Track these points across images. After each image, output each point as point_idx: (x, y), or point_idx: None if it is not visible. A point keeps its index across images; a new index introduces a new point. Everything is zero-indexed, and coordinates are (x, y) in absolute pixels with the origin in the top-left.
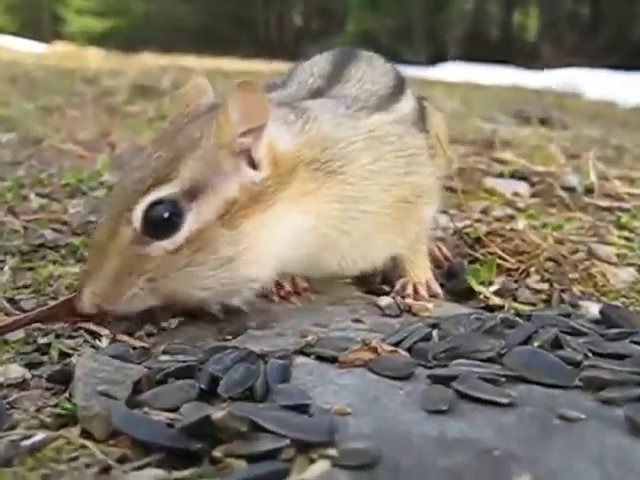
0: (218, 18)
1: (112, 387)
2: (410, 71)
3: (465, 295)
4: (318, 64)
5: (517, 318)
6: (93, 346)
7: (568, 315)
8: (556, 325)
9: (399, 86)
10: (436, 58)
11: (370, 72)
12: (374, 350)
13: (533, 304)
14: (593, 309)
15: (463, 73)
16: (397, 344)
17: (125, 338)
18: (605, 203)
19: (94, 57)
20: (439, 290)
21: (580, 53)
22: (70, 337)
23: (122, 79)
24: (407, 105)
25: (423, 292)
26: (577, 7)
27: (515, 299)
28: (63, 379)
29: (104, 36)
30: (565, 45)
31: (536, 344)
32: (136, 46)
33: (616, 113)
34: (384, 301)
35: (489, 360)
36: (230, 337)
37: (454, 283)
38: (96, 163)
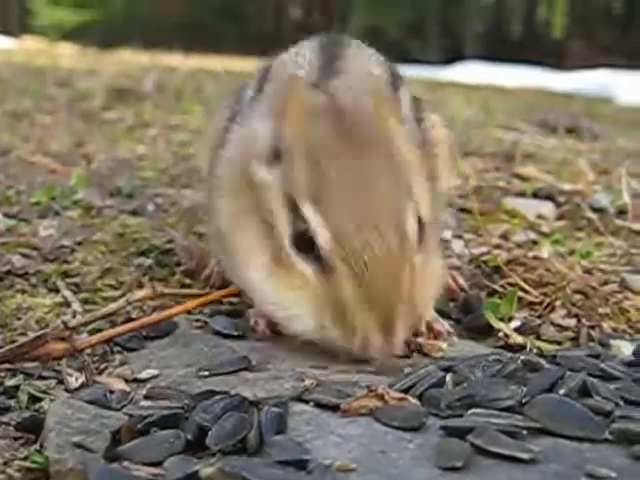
0: (207, 11)
1: (88, 438)
2: (422, 71)
3: (482, 332)
4: (304, 56)
5: (541, 360)
6: (67, 389)
7: (598, 356)
8: (584, 368)
9: (394, 82)
10: (452, 57)
11: (364, 64)
12: (381, 397)
13: (559, 343)
14: (626, 349)
15: (482, 74)
16: (407, 390)
17: (103, 379)
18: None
19: (67, 54)
20: (443, 328)
21: (613, 53)
22: (41, 378)
23: (99, 80)
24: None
25: (440, 327)
26: (610, 1)
27: (539, 337)
28: (33, 427)
29: (79, 31)
30: (596, 43)
31: (562, 392)
32: (115, 42)
33: None
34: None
35: (509, 409)
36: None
37: (470, 318)
38: (70, 178)
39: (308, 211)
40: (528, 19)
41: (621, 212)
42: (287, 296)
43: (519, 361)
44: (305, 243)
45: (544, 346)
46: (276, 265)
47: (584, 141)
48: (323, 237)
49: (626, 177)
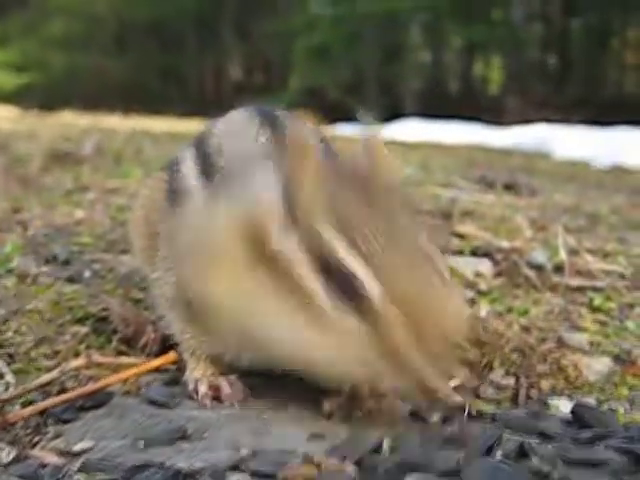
0: (148, 72)
1: None
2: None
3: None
4: (248, 131)
5: (479, 422)
6: None
7: (536, 416)
8: (523, 429)
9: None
10: (391, 115)
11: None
12: (317, 465)
13: (498, 402)
14: (564, 407)
15: (421, 131)
16: (343, 457)
17: (36, 453)
18: (576, 282)
19: (7, 117)
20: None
21: (549, 107)
22: None
23: (37, 143)
24: None
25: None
26: (544, 57)
27: (478, 397)
28: None
29: (19, 93)
30: (532, 99)
31: (499, 454)
32: (55, 104)
33: (590, 174)
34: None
35: (447, 474)
36: (142, 444)
37: None
38: (5, 246)
39: (353, 266)
40: (465, 76)
41: (558, 268)
42: (332, 351)
43: (457, 423)
44: (346, 297)
45: (483, 406)
46: (311, 322)
47: (522, 197)
48: (373, 289)
49: (562, 233)
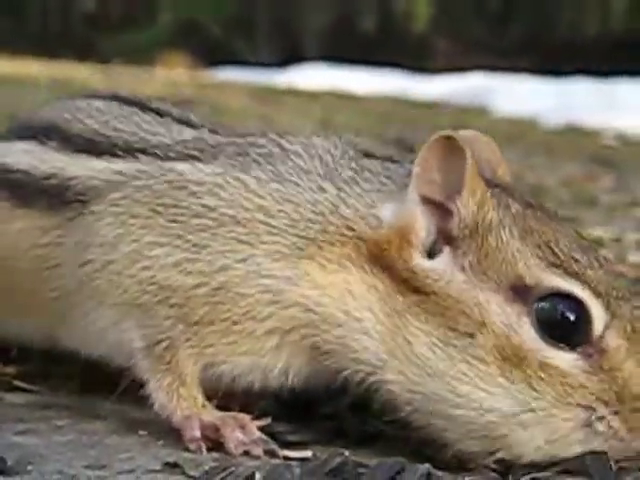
0: None
1: None
2: (251, 76)
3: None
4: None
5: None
6: None
7: None
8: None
9: None
10: (288, 58)
11: None
12: None
13: None
14: None
15: (325, 79)
16: None
17: None
18: None
19: None
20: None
21: (487, 51)
22: None
23: None
24: None
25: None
26: None
27: None
28: None
29: None
30: (467, 40)
31: None
32: None
33: (537, 136)
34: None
35: None
36: None
37: None
38: None
39: (562, 282)
40: (383, 10)
41: None
42: (544, 406)
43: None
44: (559, 325)
45: None
46: (505, 370)
47: None
48: (599, 318)
49: None
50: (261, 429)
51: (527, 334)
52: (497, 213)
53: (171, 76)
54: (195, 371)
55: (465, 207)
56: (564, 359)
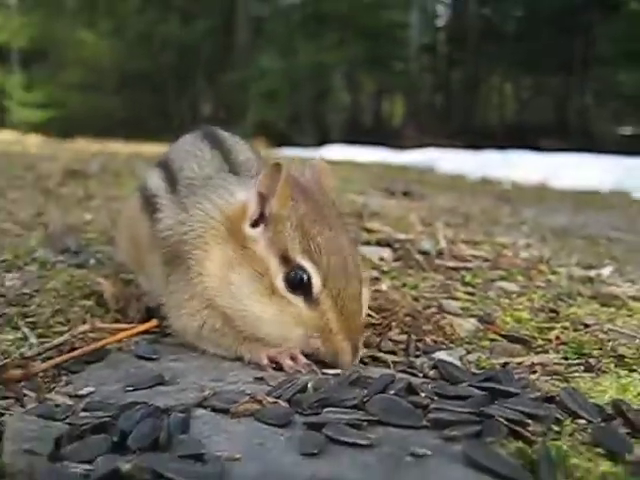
0: (142, 110)
1: (36, 444)
2: (300, 152)
3: None
4: (200, 150)
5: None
6: (22, 405)
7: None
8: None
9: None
10: (322, 141)
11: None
12: (260, 402)
13: (394, 353)
14: (442, 356)
15: (343, 153)
16: (279, 396)
17: (52, 396)
18: (453, 264)
19: (34, 143)
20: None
21: (436, 135)
22: (3, 398)
23: (57, 163)
24: None
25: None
26: (433, 98)
27: (380, 349)
28: None
29: (44, 125)
30: (425, 129)
31: (392, 392)
32: (72, 133)
33: (465, 184)
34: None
35: (354, 407)
36: (131, 388)
37: None
38: (31, 240)
39: (303, 262)
40: (375, 112)
41: (440, 254)
42: (283, 322)
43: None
44: (295, 283)
45: (383, 356)
46: (269, 299)
47: (415, 201)
48: (316, 281)
49: (443, 228)
50: (307, 356)
51: (280, 283)
52: (288, 212)
53: None
54: None
55: (274, 204)
56: (296, 300)
